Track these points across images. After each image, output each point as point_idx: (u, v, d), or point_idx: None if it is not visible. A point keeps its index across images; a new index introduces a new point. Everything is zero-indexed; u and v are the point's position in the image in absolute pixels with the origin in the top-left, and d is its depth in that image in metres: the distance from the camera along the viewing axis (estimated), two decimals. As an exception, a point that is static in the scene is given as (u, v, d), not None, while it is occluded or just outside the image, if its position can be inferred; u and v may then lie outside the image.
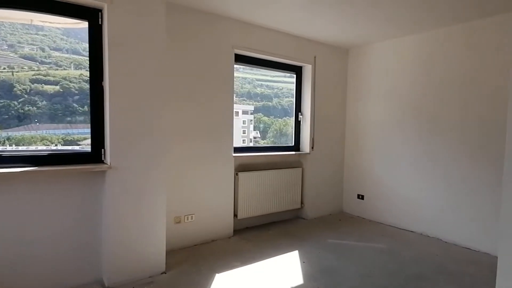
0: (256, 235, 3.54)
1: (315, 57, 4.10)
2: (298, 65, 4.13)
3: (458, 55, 3.32)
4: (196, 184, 3.19)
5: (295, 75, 4.21)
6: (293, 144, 4.24)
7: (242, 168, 3.70)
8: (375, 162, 4.15)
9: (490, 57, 3.09)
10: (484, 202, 3.16)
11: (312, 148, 4.15)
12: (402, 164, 3.85)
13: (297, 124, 4.24)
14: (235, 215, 3.56)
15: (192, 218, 3.16)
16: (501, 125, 3.01)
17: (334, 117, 4.43)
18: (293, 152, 4.06)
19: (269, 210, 3.83)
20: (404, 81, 3.81)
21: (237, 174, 3.56)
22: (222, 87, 3.31)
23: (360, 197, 4.35)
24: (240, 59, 3.60)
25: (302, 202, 4.18)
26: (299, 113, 4.21)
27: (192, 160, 3.14)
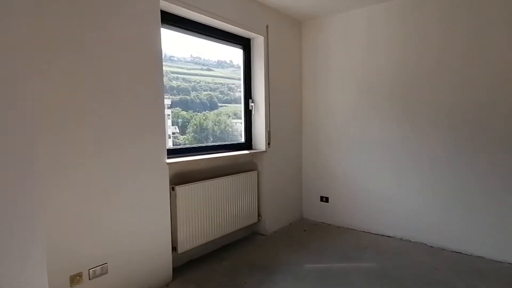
0: (206, 273, 2.47)
1: (267, 26, 3.17)
2: (246, 36, 3.15)
3: (445, 26, 2.80)
4: (107, 214, 1.96)
5: (242, 50, 3.22)
6: (244, 140, 3.27)
7: (179, 178, 2.58)
8: (341, 157, 3.47)
9: (493, 28, 2.62)
10: (474, 198, 2.72)
11: (269, 144, 3.25)
12: (373, 158, 3.24)
13: (248, 114, 3.28)
14: (174, 249, 2.43)
15: (103, 270, 1.93)
16: (501, 111, 2.57)
17: (290, 104, 3.60)
18: (246, 152, 3.09)
19: (220, 232, 2.80)
20: (373, 60, 3.18)
21: (173, 188, 2.42)
22: (145, 61, 2.13)
23: (324, 199, 3.64)
24: (169, 19, 2.45)
25: (259, 214, 3.25)
26: (250, 100, 3.25)
27: (98, 175, 1.90)
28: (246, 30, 2.96)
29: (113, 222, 1.98)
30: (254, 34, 3.10)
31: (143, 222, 2.15)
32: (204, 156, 2.69)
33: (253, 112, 3.26)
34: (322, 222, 3.66)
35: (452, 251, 2.82)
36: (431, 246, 2.93)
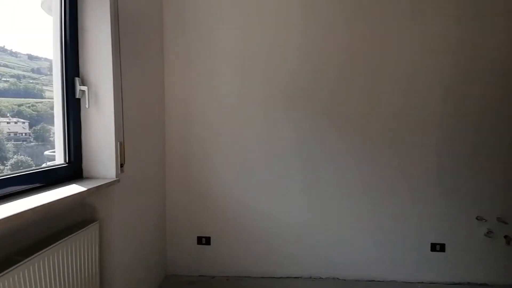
0: None
1: None
2: None
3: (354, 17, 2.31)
4: None
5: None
6: (64, 161, 1.58)
7: None
8: (227, 179, 2.41)
9: (404, 23, 2.29)
10: (383, 221, 2.39)
11: (122, 166, 1.72)
12: (272, 179, 2.40)
13: (73, 108, 1.61)
14: None
15: None
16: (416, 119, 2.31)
17: (151, 96, 2.18)
18: (73, 189, 1.44)
19: None
20: (282, 44, 2.34)
21: None
22: None
23: (204, 241, 2.45)
24: None
25: (104, 306, 1.66)
26: (77, 81, 1.61)
27: None
28: None
29: None
30: None
31: None
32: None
33: (86, 105, 1.63)
34: (202, 276, 2.45)
35: (366, 281, 2.40)
36: (344, 280, 2.41)
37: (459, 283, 2.36)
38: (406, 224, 2.37)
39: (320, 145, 2.36)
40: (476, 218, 2.31)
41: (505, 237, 2.29)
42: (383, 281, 2.40)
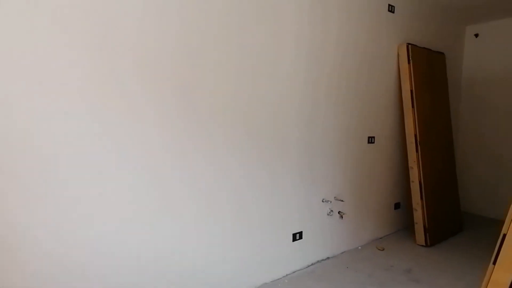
0: None
1: None
2: None
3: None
4: None
5: None
6: None
7: None
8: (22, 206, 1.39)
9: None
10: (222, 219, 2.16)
11: None
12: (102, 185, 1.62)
13: None
14: None
15: None
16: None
17: None
18: None
19: None
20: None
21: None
22: None
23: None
24: None
25: None
26: None
27: None
28: None
29: None
30: None
31: None
32: None
33: None
34: None
35: (240, 294, 2.09)
36: (219, 303, 2.00)
37: (312, 264, 2.51)
38: (267, 222, 2.24)
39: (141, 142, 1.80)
40: (322, 201, 2.52)
41: (339, 212, 2.64)
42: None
